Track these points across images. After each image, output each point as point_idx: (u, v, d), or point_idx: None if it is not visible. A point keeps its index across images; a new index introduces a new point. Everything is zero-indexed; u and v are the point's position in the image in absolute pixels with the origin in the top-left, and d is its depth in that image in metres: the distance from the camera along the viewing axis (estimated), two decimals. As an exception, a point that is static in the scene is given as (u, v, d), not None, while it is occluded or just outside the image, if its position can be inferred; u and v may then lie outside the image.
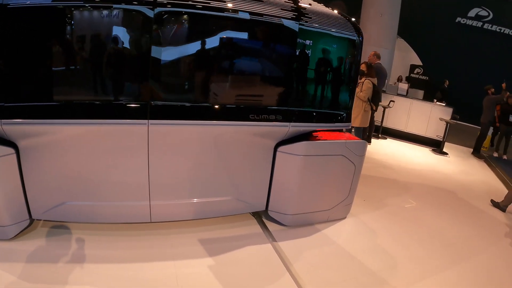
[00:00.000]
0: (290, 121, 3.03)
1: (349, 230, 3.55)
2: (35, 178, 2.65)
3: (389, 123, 8.01)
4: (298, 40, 2.92)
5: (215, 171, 3.02)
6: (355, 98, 5.54)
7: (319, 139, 3.17)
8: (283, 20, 2.82)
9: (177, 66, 2.69)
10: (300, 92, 3.16)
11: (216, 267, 2.70)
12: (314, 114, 3.22)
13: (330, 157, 3.23)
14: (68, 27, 2.40)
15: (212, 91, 2.80)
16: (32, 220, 2.84)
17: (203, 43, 2.68)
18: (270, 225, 3.41)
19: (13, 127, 2.43)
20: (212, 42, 2.69)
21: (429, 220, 4.01)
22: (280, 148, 3.12)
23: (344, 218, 3.70)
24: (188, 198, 3.00)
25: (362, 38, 3.32)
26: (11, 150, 2.51)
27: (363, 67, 5.43)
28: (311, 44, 3.02)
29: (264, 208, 3.39)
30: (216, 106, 2.79)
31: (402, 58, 13.93)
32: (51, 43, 2.39)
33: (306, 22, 2.91)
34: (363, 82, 5.53)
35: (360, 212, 3.90)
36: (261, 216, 3.52)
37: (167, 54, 2.55)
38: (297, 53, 2.97)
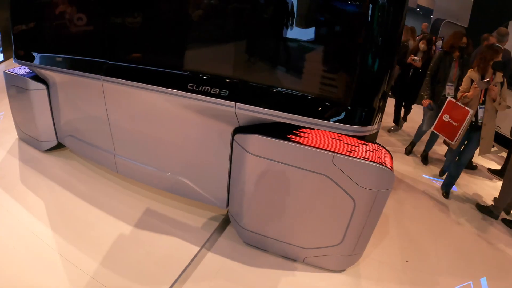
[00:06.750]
0: (235, 100, 2.15)
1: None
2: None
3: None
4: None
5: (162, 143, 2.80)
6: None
7: (292, 138, 2.10)
8: None
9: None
10: (260, 57, 2.11)
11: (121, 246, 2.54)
12: (281, 96, 2.05)
13: (302, 171, 2.11)
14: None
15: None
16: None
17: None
18: (226, 233, 2.73)
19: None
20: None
21: None
22: (236, 137, 2.33)
23: (336, 271, 2.44)
24: (146, 164, 2.91)
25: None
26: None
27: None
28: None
29: (225, 207, 2.67)
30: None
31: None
32: None
33: None
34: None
35: (374, 277, 2.48)
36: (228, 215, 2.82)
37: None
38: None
